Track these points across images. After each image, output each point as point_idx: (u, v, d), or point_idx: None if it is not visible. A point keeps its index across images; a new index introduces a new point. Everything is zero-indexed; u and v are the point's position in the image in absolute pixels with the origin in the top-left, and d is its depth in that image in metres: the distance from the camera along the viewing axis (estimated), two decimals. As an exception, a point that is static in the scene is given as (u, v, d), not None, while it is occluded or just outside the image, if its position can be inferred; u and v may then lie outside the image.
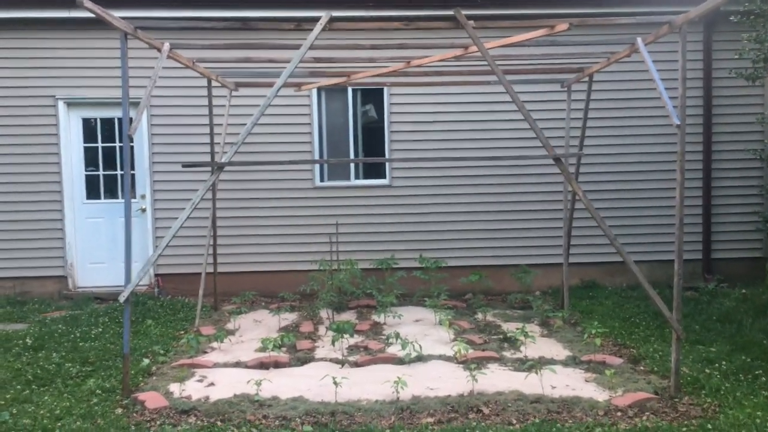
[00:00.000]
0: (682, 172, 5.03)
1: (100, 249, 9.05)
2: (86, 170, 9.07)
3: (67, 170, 8.93)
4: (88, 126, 9.04)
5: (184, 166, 5.27)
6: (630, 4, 8.33)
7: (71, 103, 8.93)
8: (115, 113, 8.95)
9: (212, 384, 5.43)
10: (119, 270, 8.76)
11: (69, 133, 8.96)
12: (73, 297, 8.86)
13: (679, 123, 4.97)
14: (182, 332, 7.16)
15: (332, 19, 4.94)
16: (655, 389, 5.16)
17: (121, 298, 5.04)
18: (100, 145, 9.05)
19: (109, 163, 9.07)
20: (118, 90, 8.28)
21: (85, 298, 8.73)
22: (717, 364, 5.66)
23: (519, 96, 5.27)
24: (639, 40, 5.50)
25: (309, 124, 9.04)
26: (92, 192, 9.10)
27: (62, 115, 8.87)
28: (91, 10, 4.30)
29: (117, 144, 9.07)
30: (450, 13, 4.90)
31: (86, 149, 9.05)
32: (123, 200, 8.89)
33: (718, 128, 9.16)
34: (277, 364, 5.94)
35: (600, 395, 5.06)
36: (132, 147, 9.04)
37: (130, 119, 6.74)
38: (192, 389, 5.28)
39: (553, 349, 6.40)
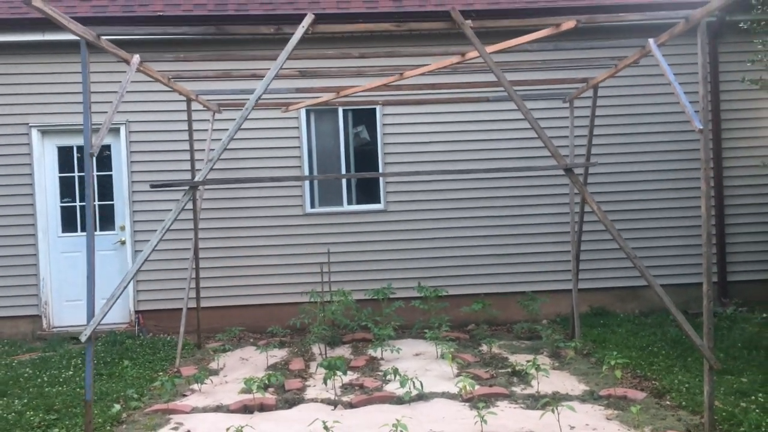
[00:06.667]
0: (707, 181, 4.53)
1: (77, 285, 8.43)
2: (62, 201, 8.53)
3: (41, 202, 8.38)
4: (64, 155, 8.53)
5: (152, 186, 4.75)
6: (639, 10, 7.92)
7: (46, 131, 8.43)
8: (93, 140, 8.43)
9: (188, 432, 4.83)
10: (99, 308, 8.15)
11: (43, 162, 8.44)
12: (48, 338, 8.23)
13: (701, 127, 4.49)
14: (161, 373, 6.55)
15: (316, 21, 4.47)
16: (687, 427, 4.60)
17: (82, 338, 4.48)
18: (76, 174, 8.53)
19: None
20: (96, 116, 7.80)
21: (60, 339, 8.10)
22: (752, 397, 5.08)
23: (526, 106, 4.78)
24: (651, 41, 5.06)
25: (298, 147, 8.55)
26: (68, 224, 8.54)
27: (36, 144, 8.36)
28: (41, 11, 3.81)
29: (95, 172, 8.54)
30: (440, 10, 4.43)
31: (62, 179, 8.53)
32: (102, 233, 8.49)
33: (728, 142, 8.70)
34: (263, 407, 5.34)
35: (626, 435, 4.48)
36: (110, 176, 8.53)
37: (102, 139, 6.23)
38: (165, 439, 4.69)
39: (567, 383, 5.81)
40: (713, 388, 4.54)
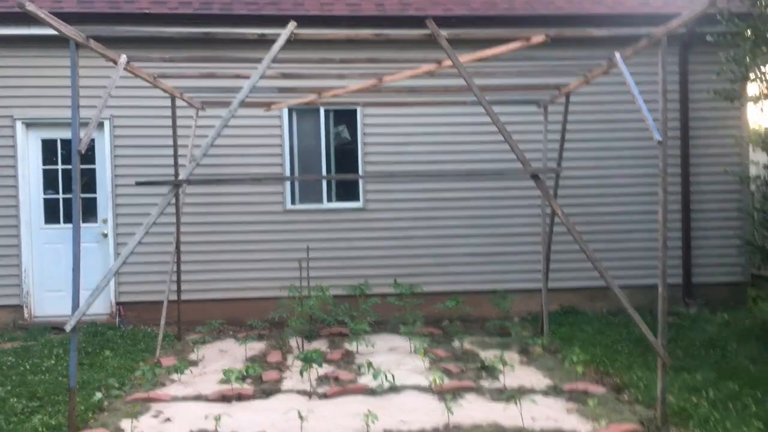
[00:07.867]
0: (664, 190, 4.81)
1: (59, 276, 8.57)
2: (45, 194, 8.65)
3: (25, 194, 8.50)
4: (48, 147, 8.65)
5: (138, 183, 4.94)
6: (606, 24, 8.21)
7: (30, 124, 8.54)
8: (77, 134, 8.56)
9: (168, 420, 5.04)
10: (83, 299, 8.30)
11: (27, 154, 8.55)
12: (29, 327, 8.36)
13: (660, 139, 4.76)
14: (141, 364, 6.72)
15: (299, 27, 4.67)
16: (640, 420, 4.88)
17: (67, 328, 4.65)
18: (60, 167, 8.65)
19: (70, 187, 8.65)
20: (81, 110, 7.92)
21: (42, 329, 8.24)
22: (704, 392, 5.38)
23: (495, 113, 5.04)
24: (617, 54, 5.32)
25: (280, 145, 8.75)
26: (51, 217, 8.66)
27: (20, 136, 8.47)
28: (34, 15, 3.98)
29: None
30: (421, 15, 4.67)
31: (45, 172, 8.64)
32: (84, 225, 8.61)
33: (695, 149, 9.03)
34: (241, 397, 5.55)
35: (583, 427, 4.76)
36: (93, 170, 8.66)
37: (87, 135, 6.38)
38: (146, 426, 4.89)
39: (533, 377, 6.09)
40: (666, 383, 4.84)
